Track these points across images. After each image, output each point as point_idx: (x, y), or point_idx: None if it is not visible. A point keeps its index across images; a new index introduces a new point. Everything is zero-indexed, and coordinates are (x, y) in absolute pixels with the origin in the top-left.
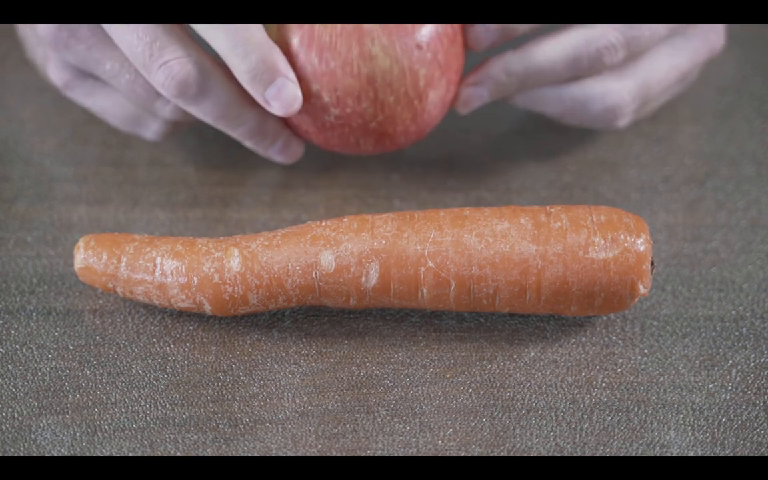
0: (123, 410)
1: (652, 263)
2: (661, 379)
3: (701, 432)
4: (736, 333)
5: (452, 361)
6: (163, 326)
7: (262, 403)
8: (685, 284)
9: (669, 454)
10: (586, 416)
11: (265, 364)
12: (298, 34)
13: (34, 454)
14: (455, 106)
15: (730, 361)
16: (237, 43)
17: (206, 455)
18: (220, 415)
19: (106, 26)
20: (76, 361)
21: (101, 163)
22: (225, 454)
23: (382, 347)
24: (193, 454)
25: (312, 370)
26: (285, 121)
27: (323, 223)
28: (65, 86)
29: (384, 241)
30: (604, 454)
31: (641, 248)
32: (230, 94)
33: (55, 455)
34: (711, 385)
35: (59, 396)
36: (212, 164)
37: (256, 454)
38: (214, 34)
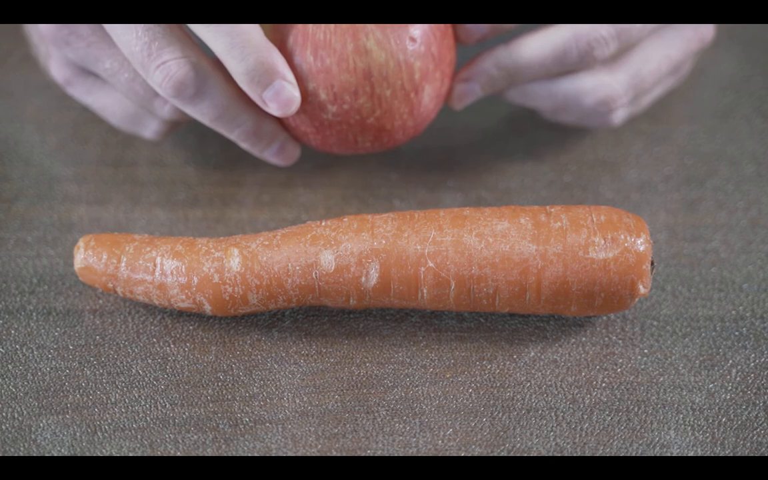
0: (123, 410)
1: (652, 263)
2: (661, 379)
3: (701, 432)
4: (736, 333)
5: (452, 361)
6: (163, 326)
7: (262, 403)
8: (685, 284)
9: (669, 454)
10: (586, 416)
11: (265, 364)
12: (292, 33)
13: (34, 454)
14: (449, 103)
15: (730, 361)
16: (235, 45)
17: (206, 455)
18: (220, 415)
19: (105, 25)
20: (76, 361)
21: (101, 163)
22: (225, 454)
23: (382, 347)
24: (193, 454)
25: (312, 370)
26: (282, 123)
27: (323, 223)
28: (66, 83)
29: (384, 241)
30: (604, 454)
31: (641, 248)
32: (227, 96)
33: (55, 455)
34: (711, 385)
35: (59, 396)
36: (212, 164)
37: (256, 454)
38: (212, 35)
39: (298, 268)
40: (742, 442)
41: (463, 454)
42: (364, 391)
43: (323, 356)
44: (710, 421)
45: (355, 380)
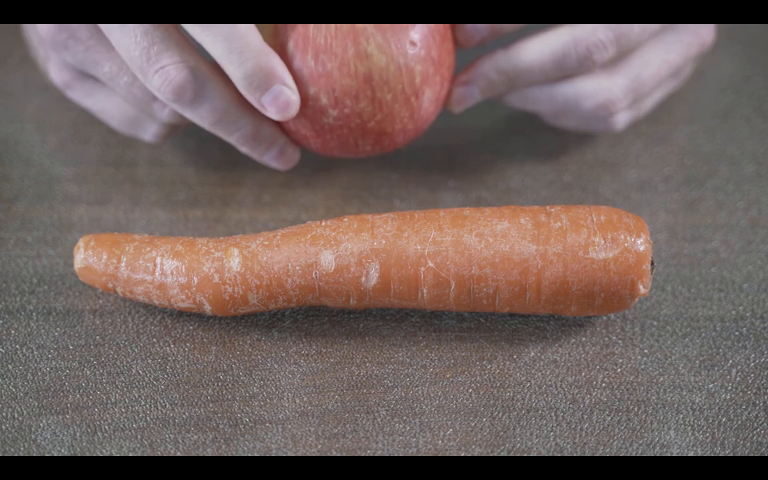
0: (123, 410)
1: (652, 263)
2: (661, 379)
3: (701, 432)
4: (736, 333)
5: (452, 361)
6: (163, 326)
7: (262, 403)
8: (685, 284)
9: (669, 454)
10: (586, 416)
11: (265, 364)
12: (292, 37)
13: (34, 454)
14: (448, 106)
15: (730, 361)
16: (233, 50)
17: (206, 455)
18: (220, 415)
19: (104, 29)
20: (76, 361)
21: (101, 163)
22: (225, 454)
23: (382, 347)
24: (193, 454)
25: (312, 370)
26: (282, 127)
27: (323, 223)
28: (65, 86)
29: (384, 241)
30: (604, 454)
31: (641, 248)
32: (226, 100)
33: (55, 455)
34: (711, 385)
35: (59, 396)
36: (212, 164)
37: (256, 454)
38: (210, 40)
39: (298, 268)
40: (742, 442)
41: (463, 454)
42: (364, 391)
43: (323, 356)
44: (710, 421)
45: (355, 380)
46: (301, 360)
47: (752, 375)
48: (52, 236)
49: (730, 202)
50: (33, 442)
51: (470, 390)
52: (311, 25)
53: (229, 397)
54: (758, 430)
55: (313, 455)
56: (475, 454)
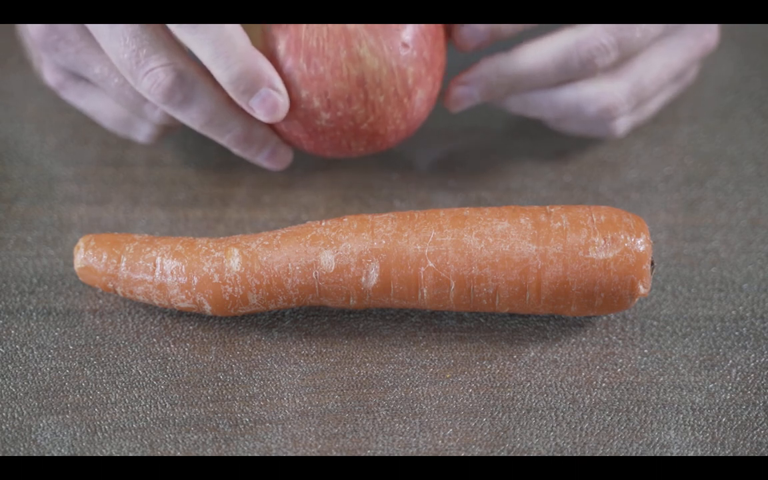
0: (123, 410)
1: (652, 263)
2: (661, 379)
3: (701, 432)
4: (736, 333)
5: (452, 361)
6: (163, 326)
7: (262, 403)
8: (685, 284)
9: (669, 454)
10: (586, 416)
11: (265, 364)
12: (284, 39)
13: (34, 454)
14: (445, 105)
15: (730, 361)
16: (219, 54)
17: (206, 455)
18: (220, 415)
19: (93, 32)
20: (76, 361)
21: (101, 163)
22: (225, 454)
23: (382, 347)
24: (193, 454)
25: (312, 370)
26: (274, 128)
27: (323, 223)
28: (59, 87)
29: (384, 241)
30: (604, 454)
31: (641, 248)
32: (216, 102)
33: (55, 455)
34: (711, 385)
35: (59, 396)
36: (212, 164)
37: (256, 454)
38: (197, 43)
39: (298, 268)
40: (742, 442)
41: (463, 454)
42: (364, 391)
43: (323, 356)
44: (710, 421)
45: (355, 380)
46: (301, 360)
47: (752, 375)
48: (52, 236)
49: (730, 202)
50: (33, 442)
51: (470, 390)
52: (303, 28)
53: (229, 397)
54: (758, 430)
55: (313, 455)
56: (475, 454)
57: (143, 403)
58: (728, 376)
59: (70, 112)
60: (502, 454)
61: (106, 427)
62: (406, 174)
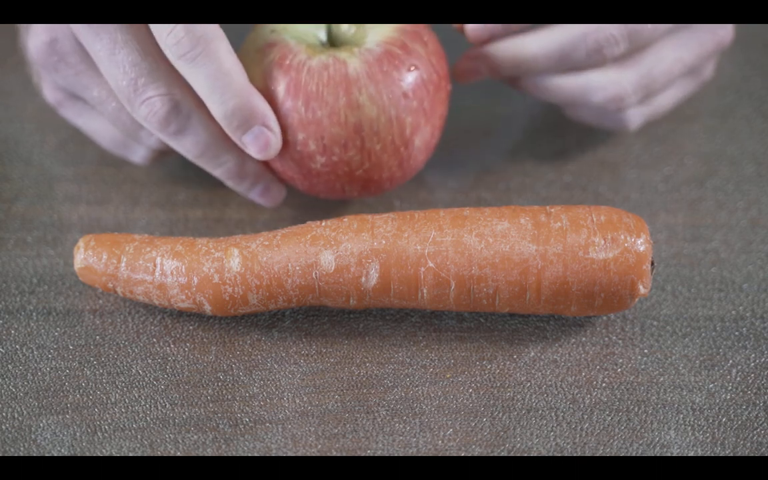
0: (123, 410)
1: (652, 263)
2: (661, 379)
3: (701, 432)
4: (736, 333)
5: (452, 361)
6: (163, 326)
7: (262, 403)
8: (685, 284)
9: (669, 454)
10: (586, 416)
11: (265, 364)
12: (284, 81)
13: (34, 454)
14: (455, 77)
15: (730, 361)
16: (215, 88)
17: (206, 455)
18: (220, 415)
19: (93, 56)
20: (76, 361)
21: (101, 163)
22: (225, 454)
23: (382, 347)
24: (193, 454)
25: (312, 370)
26: (268, 165)
27: (323, 223)
28: (57, 105)
29: (384, 241)
30: (604, 454)
31: (641, 248)
32: (210, 134)
33: (55, 455)
34: (711, 385)
35: (59, 396)
36: None
37: (256, 454)
38: (195, 75)
39: (298, 268)
40: (742, 442)
41: (463, 454)
42: (364, 391)
43: (323, 356)
44: (710, 421)
45: (355, 380)
46: (301, 360)
47: (752, 375)
48: (52, 236)
49: (730, 202)
50: (33, 442)
51: (470, 390)
52: (304, 71)
53: (229, 397)
54: (758, 430)
55: (313, 455)
56: (475, 454)
57: (143, 403)
58: (728, 376)
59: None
60: (502, 454)
61: (106, 427)
62: None
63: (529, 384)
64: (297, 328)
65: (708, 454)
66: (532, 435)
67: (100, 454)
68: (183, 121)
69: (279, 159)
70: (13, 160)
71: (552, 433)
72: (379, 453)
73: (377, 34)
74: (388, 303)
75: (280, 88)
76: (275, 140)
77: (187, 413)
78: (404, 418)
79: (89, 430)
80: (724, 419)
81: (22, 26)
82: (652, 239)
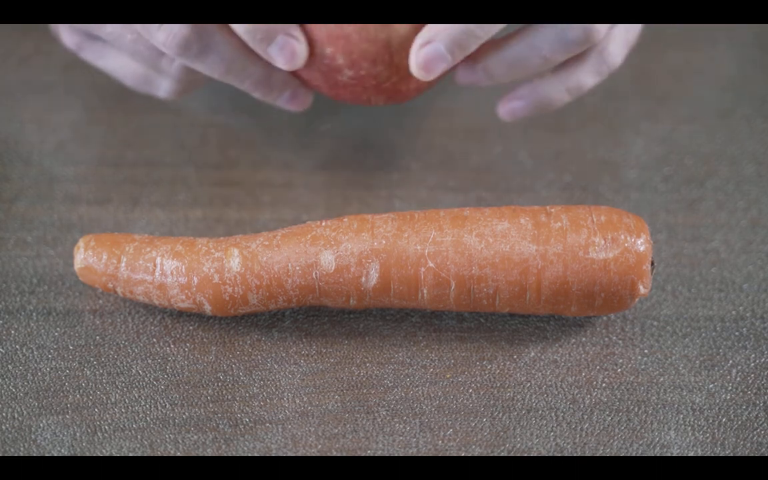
0: (123, 410)
1: (653, 263)
2: (661, 379)
3: (701, 432)
4: (736, 333)
5: (452, 361)
6: (163, 326)
7: (262, 403)
8: (685, 284)
9: (669, 454)
10: (586, 416)
11: (265, 364)
12: None
13: (34, 454)
14: (411, 69)
15: (730, 361)
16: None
17: (206, 455)
18: (220, 415)
19: None
20: (76, 361)
21: (101, 163)
22: (225, 454)
23: (382, 347)
24: (193, 454)
25: (312, 370)
26: (294, 73)
27: (323, 223)
28: (77, 48)
29: (384, 241)
30: (604, 454)
31: (641, 248)
32: (233, 49)
33: (55, 455)
34: (711, 385)
35: (59, 396)
36: (212, 164)
37: (256, 454)
38: None
39: (298, 268)
40: (742, 442)
41: (463, 454)
42: (364, 391)
43: (323, 356)
44: (710, 421)
45: (355, 380)
46: (301, 360)
47: (752, 375)
48: (52, 236)
49: (730, 202)
50: (33, 442)
51: (470, 390)
52: None
53: (229, 397)
54: (758, 430)
55: (313, 455)
56: (475, 454)
57: (143, 403)
58: (728, 376)
59: (71, 112)
60: (502, 454)
61: (106, 427)
62: (406, 174)
63: (529, 384)
64: (297, 328)
65: (708, 454)
66: (532, 435)
67: (100, 454)
68: (204, 40)
69: (305, 70)
70: (13, 160)
71: (552, 433)
72: (379, 453)
73: None
74: (388, 303)
75: None
76: (301, 48)
77: (187, 413)
78: (404, 418)
79: (89, 430)
80: (724, 419)
81: None
82: (652, 239)
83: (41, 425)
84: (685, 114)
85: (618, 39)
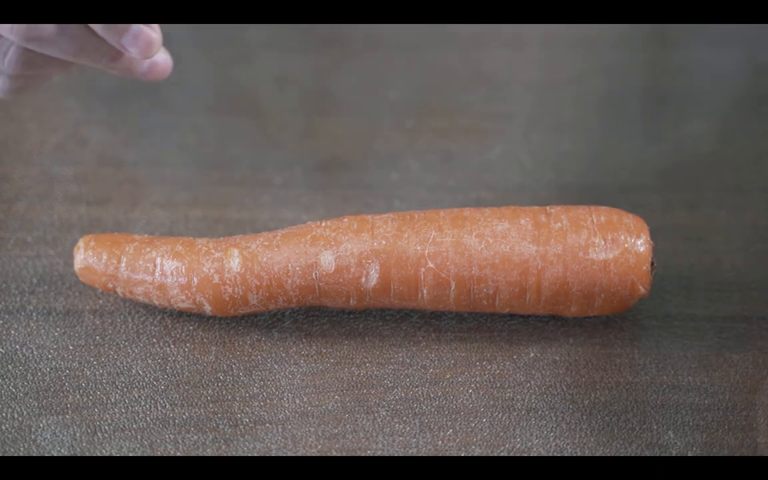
0: (123, 410)
1: (653, 264)
2: (661, 379)
3: (701, 432)
4: (736, 333)
5: (452, 361)
6: (163, 326)
7: (262, 403)
8: (685, 284)
9: (668, 455)
10: (585, 416)
11: (265, 364)
12: None
13: (34, 454)
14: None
15: (730, 361)
16: None
17: (206, 455)
18: (220, 415)
19: None
20: (76, 361)
21: (101, 163)
22: (225, 454)
23: (382, 347)
24: (193, 454)
25: (312, 370)
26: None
27: (323, 224)
28: None
29: (384, 242)
30: (604, 454)
31: (641, 249)
32: (84, 30)
33: (55, 455)
34: (711, 385)
35: (59, 396)
36: (212, 164)
37: (256, 454)
38: None
39: (298, 268)
40: (741, 443)
41: (463, 454)
42: (364, 391)
43: (323, 356)
44: (710, 421)
45: (355, 380)
46: (301, 360)
47: (752, 375)
48: (52, 236)
49: (730, 202)
50: (33, 442)
51: (470, 390)
52: None
53: (229, 397)
54: (758, 430)
55: (313, 455)
56: (475, 454)
57: (143, 403)
58: (728, 376)
59: (71, 112)
60: (501, 455)
61: (106, 427)
62: (406, 174)
63: (528, 384)
64: (297, 328)
65: (708, 454)
66: (532, 435)
67: (100, 454)
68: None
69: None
70: (13, 160)
71: (552, 434)
72: (379, 453)
73: None
74: (388, 303)
75: None
76: (157, 37)
77: (187, 413)
78: (404, 418)
79: (89, 430)
80: (723, 419)
81: None
82: (652, 239)
83: (41, 425)
84: (685, 114)
85: None
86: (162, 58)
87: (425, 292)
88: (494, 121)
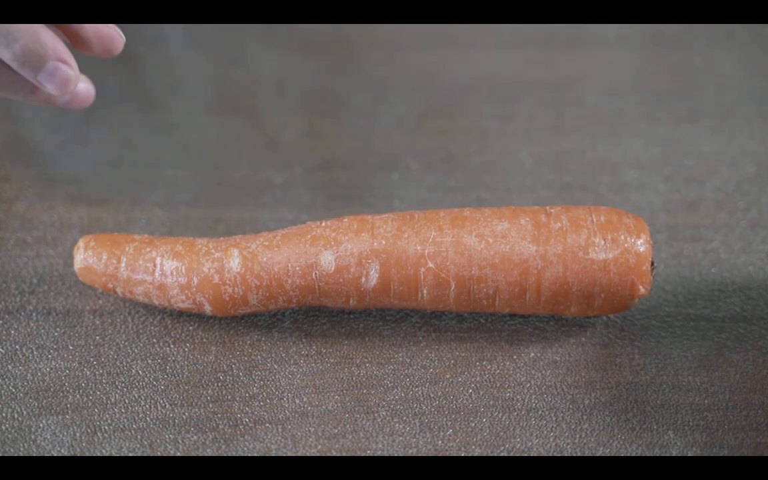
0: (123, 410)
1: (653, 264)
2: (661, 379)
3: (701, 432)
4: (736, 333)
5: (452, 361)
6: (163, 326)
7: (262, 403)
8: (685, 284)
9: (668, 455)
10: (585, 417)
11: (265, 365)
12: None
13: (34, 454)
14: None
15: (730, 361)
16: (0, 31)
17: (206, 455)
18: (220, 415)
19: None
20: (76, 361)
21: (101, 163)
22: (225, 454)
23: (382, 347)
24: (193, 454)
25: (312, 371)
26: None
27: (323, 223)
28: None
29: (384, 242)
30: (604, 454)
31: (641, 249)
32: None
33: (55, 455)
34: (711, 385)
35: (59, 396)
36: (212, 164)
37: (256, 454)
38: None
39: (298, 268)
40: (741, 443)
41: (462, 454)
42: (364, 391)
43: (323, 356)
44: (710, 421)
45: (355, 380)
46: (301, 360)
47: (752, 375)
48: (52, 236)
49: (730, 202)
50: (33, 442)
51: (470, 390)
52: None
53: (229, 397)
54: (758, 430)
55: (313, 455)
56: (475, 454)
57: (143, 403)
58: (728, 376)
59: (70, 111)
60: (501, 454)
61: (106, 427)
62: (406, 174)
63: (528, 384)
64: (297, 328)
65: (708, 454)
66: (532, 435)
67: (100, 454)
68: None
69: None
70: (13, 160)
71: (552, 434)
72: (379, 453)
73: None
74: (388, 303)
75: None
76: (74, 73)
77: (187, 413)
78: (404, 418)
79: (89, 430)
80: (723, 419)
81: None
82: (652, 239)
83: (41, 425)
84: (685, 114)
85: None
86: (83, 87)
87: (425, 292)
88: (494, 121)
